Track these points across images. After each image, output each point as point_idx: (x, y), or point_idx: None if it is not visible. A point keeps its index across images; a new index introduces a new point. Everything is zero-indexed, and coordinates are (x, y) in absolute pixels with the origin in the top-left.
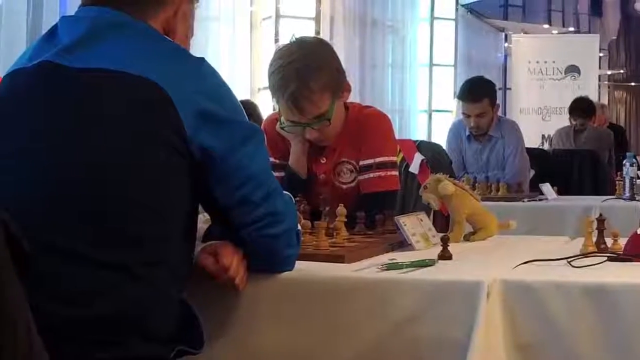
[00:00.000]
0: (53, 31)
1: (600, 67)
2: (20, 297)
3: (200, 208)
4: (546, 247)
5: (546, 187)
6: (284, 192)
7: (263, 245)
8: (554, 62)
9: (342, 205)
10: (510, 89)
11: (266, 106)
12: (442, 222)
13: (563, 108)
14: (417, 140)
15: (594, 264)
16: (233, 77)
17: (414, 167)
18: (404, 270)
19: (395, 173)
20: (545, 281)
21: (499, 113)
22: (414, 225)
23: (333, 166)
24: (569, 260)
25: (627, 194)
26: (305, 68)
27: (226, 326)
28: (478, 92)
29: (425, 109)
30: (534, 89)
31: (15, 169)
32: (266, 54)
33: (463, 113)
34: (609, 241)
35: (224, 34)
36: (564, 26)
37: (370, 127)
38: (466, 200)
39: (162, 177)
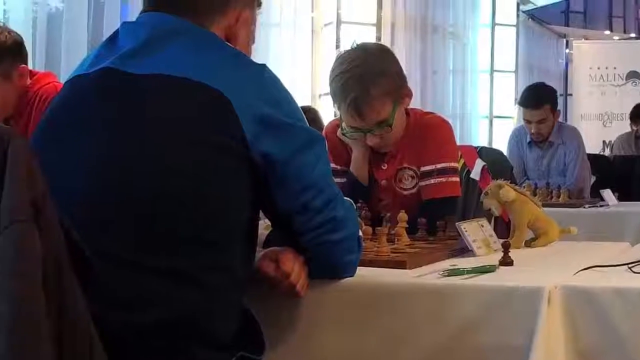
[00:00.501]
0: (114, 37)
1: None
2: (81, 304)
3: (261, 214)
4: (607, 253)
5: (607, 193)
6: (345, 198)
7: (324, 252)
8: (615, 68)
9: (403, 211)
10: (571, 95)
11: (327, 112)
12: (503, 228)
13: (624, 114)
14: (478, 146)
15: None
16: (294, 83)
17: (475, 173)
18: (465, 276)
19: (456, 179)
20: (606, 287)
21: (560, 119)
22: (475, 231)
23: (394, 172)
24: (630, 266)
25: None
26: (366, 74)
27: (287, 332)
28: (539, 99)
29: (487, 115)
30: (595, 95)
31: (75, 175)
32: (327, 60)
33: (524, 119)
34: None
35: (285, 40)
36: (625, 32)
37: (431, 133)
38: (527, 207)
39: (222, 183)
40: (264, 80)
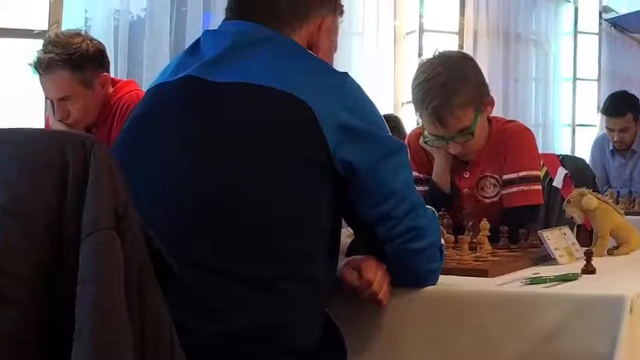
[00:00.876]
0: (196, 46)
1: None
2: (163, 311)
3: (343, 222)
4: None
5: None
6: (427, 206)
7: (406, 260)
8: None
9: (485, 219)
10: None
11: (410, 120)
12: (586, 236)
13: None
14: (560, 155)
15: None
16: (377, 91)
17: (558, 182)
18: (547, 284)
19: (539, 187)
20: None
21: None
22: (558, 240)
23: (476, 180)
24: None
25: None
26: (449, 82)
27: (369, 340)
28: (621, 107)
29: (569, 123)
30: None
31: (157, 184)
32: (409, 68)
33: (607, 127)
34: None
35: (368, 49)
36: None
37: (513, 141)
38: (610, 215)
39: (304, 193)
40: (347, 89)
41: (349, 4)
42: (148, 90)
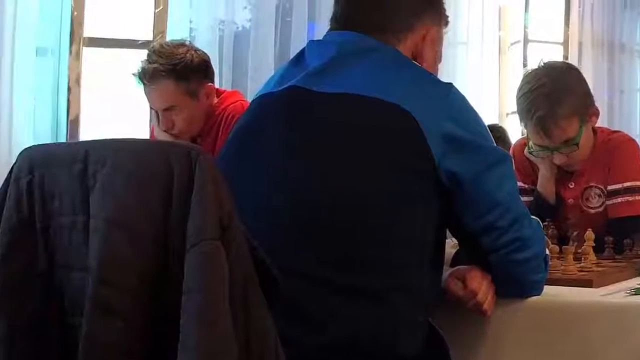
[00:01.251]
0: (300, 56)
1: None
2: (268, 321)
3: (448, 233)
4: None
5: None
6: (532, 217)
7: (511, 270)
8: None
9: (590, 229)
10: None
11: (514, 131)
12: None
13: None
14: None
15: None
16: (481, 101)
17: None
18: None
19: None
20: None
21: None
22: None
23: (581, 191)
24: None
25: None
26: (553, 93)
27: (473, 351)
28: None
29: None
30: None
31: (263, 195)
32: (514, 78)
33: None
34: None
35: (472, 59)
36: None
37: (618, 151)
38: None
39: (408, 204)
40: (451, 100)
41: (454, 14)
42: (253, 101)
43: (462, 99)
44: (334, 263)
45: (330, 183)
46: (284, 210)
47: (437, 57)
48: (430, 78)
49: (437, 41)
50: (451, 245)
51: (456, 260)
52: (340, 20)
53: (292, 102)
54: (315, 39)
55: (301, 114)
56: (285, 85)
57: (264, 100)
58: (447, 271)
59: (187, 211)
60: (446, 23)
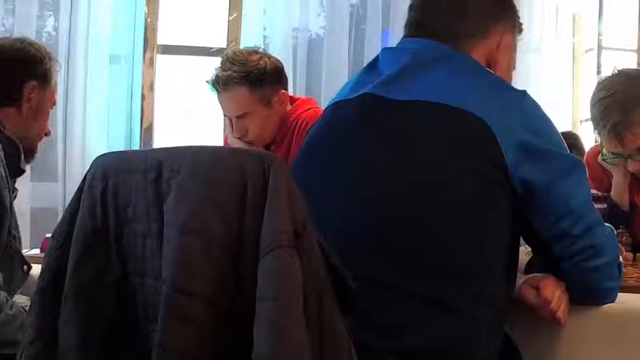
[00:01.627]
0: (374, 63)
1: None
2: (342, 328)
3: (521, 240)
4: None
5: None
6: (606, 224)
7: (584, 278)
8: None
9: None
10: None
11: (588, 138)
12: None
13: None
14: None
15: None
16: (555, 109)
17: None
18: None
19: None
20: None
21: None
22: None
23: None
24: None
25: None
26: (627, 100)
27: (547, 358)
28: None
29: None
30: None
31: (338, 202)
32: (588, 86)
33: None
34: None
35: (546, 66)
36: None
37: None
38: None
39: (482, 211)
40: (525, 107)
41: (528, 21)
42: (326, 109)
43: (536, 107)
44: (411, 270)
45: (406, 189)
46: (358, 218)
47: (511, 64)
48: (504, 85)
49: (511, 48)
50: (525, 252)
51: (529, 268)
52: (414, 27)
53: (366, 110)
54: (389, 45)
55: (374, 121)
56: (359, 93)
57: (338, 108)
58: (520, 278)
59: (261, 218)
60: (520, 30)
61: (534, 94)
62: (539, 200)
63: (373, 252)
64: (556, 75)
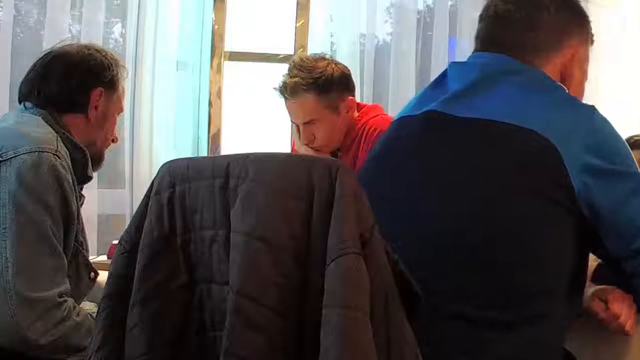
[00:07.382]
0: (441, 78)
1: None
2: (409, 337)
3: None
4: None
5: None
6: None
7: None
8: None
9: None
10: None
11: None
12: None
13: None
14: None
15: None
16: (625, 118)
17: None
18: None
19: None
20: None
21: None
22: None
23: None
24: None
25: None
26: None
27: None
28: None
29: None
30: None
31: (401, 217)
32: None
33: None
34: None
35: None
36: None
37: None
38: None
39: (547, 232)
40: (593, 126)
41: (597, 32)
42: (393, 122)
43: (604, 124)
44: (470, 290)
45: (469, 208)
46: (419, 232)
47: (584, 76)
48: (572, 102)
49: (585, 60)
50: (593, 258)
51: (598, 274)
52: (484, 40)
53: (430, 127)
54: (456, 52)
55: (438, 138)
56: (424, 109)
57: (403, 123)
58: (589, 287)
59: (328, 225)
60: (592, 41)
61: (604, 103)
62: (607, 220)
63: (432, 268)
64: (626, 84)
